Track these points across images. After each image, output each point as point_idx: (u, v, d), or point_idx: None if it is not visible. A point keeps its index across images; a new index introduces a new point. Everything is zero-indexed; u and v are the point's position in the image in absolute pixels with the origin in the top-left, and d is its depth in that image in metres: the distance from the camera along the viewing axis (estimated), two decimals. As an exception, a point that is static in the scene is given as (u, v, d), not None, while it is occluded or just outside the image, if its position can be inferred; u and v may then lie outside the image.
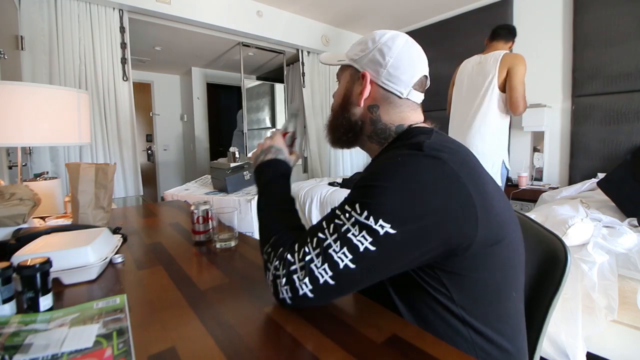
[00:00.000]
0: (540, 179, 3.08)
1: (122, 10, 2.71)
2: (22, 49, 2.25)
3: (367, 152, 0.72)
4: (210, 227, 0.96)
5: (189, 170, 5.43)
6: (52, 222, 1.20)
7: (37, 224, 1.14)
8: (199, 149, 5.17)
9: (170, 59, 4.48)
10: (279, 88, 4.71)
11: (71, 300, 0.61)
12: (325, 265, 0.48)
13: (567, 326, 1.42)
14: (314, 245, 0.50)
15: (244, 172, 1.67)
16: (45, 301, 0.56)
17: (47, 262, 0.56)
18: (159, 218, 1.31)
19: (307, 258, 0.50)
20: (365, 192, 0.50)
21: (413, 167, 0.50)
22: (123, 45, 2.72)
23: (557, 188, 2.76)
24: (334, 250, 0.48)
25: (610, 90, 2.64)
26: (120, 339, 0.47)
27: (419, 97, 0.67)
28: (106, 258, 0.74)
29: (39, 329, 0.50)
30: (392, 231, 0.46)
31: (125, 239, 0.96)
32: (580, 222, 1.59)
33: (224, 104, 6.00)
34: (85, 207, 1.04)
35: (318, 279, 0.49)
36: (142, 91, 5.03)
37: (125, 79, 2.76)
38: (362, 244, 0.47)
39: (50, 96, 1.34)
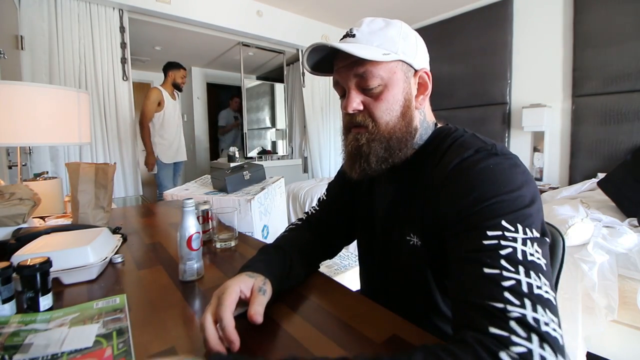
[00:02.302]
0: (541, 179, 3.08)
1: (122, 10, 2.71)
2: (22, 48, 2.25)
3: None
4: (210, 227, 0.96)
5: (189, 170, 5.43)
6: (52, 222, 1.20)
7: (37, 223, 1.14)
8: (199, 149, 5.16)
9: (170, 58, 4.46)
10: (279, 88, 4.70)
11: (71, 300, 0.61)
12: (542, 308, 0.38)
13: (567, 326, 1.43)
14: (518, 295, 0.38)
15: (244, 172, 1.67)
16: (45, 301, 0.56)
17: (47, 262, 0.56)
18: (158, 218, 1.31)
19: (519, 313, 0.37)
20: (504, 208, 0.45)
21: (512, 171, 0.49)
22: (123, 45, 2.72)
23: (557, 188, 2.76)
24: (537, 287, 0.39)
25: (610, 90, 2.64)
26: (120, 339, 0.47)
27: None
28: (106, 258, 0.74)
29: (38, 329, 0.50)
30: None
31: (125, 239, 0.96)
32: (580, 222, 1.59)
33: (224, 104, 6.00)
34: (85, 207, 1.04)
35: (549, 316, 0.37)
36: (142, 91, 5.02)
37: (125, 78, 2.76)
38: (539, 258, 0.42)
39: (50, 96, 1.34)
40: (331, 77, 0.65)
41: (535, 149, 3.15)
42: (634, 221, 1.76)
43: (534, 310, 0.37)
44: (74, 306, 0.57)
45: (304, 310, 0.56)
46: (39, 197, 0.97)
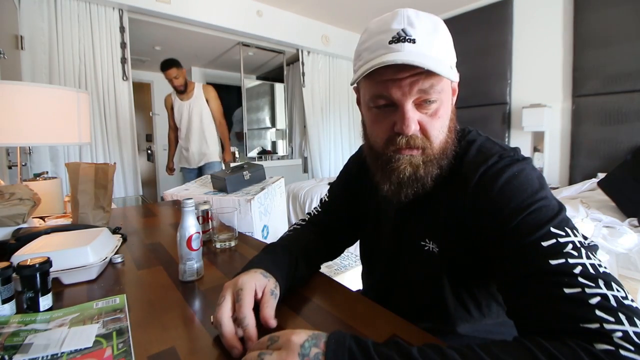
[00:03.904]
0: (540, 179, 3.08)
1: (121, 10, 2.71)
2: (22, 48, 2.25)
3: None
4: (210, 227, 0.96)
5: (189, 170, 5.42)
6: (52, 222, 1.20)
7: (37, 223, 1.14)
8: (199, 149, 5.16)
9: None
10: (279, 88, 4.71)
11: (71, 300, 0.61)
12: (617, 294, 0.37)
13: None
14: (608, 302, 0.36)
15: (244, 172, 1.67)
16: (45, 301, 0.56)
17: (47, 262, 0.56)
18: (158, 218, 1.31)
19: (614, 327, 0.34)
20: (548, 214, 0.45)
21: (534, 175, 0.50)
22: (123, 45, 2.72)
23: (557, 188, 2.76)
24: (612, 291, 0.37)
25: (610, 90, 2.64)
26: (120, 339, 0.47)
27: None
28: (106, 258, 0.74)
29: (38, 329, 0.50)
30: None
31: (125, 239, 0.96)
32: (580, 222, 1.59)
33: (224, 104, 6.00)
34: (85, 207, 1.04)
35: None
36: (142, 91, 5.03)
37: (125, 78, 2.76)
38: (599, 262, 0.41)
39: (50, 96, 1.34)
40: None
41: (535, 149, 3.16)
42: (634, 221, 1.76)
43: (632, 324, 0.34)
44: (74, 306, 0.57)
45: (304, 310, 0.56)
46: (39, 197, 0.97)
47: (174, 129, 2.89)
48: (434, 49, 0.51)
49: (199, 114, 2.83)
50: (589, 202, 2.07)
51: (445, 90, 0.53)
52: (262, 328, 0.48)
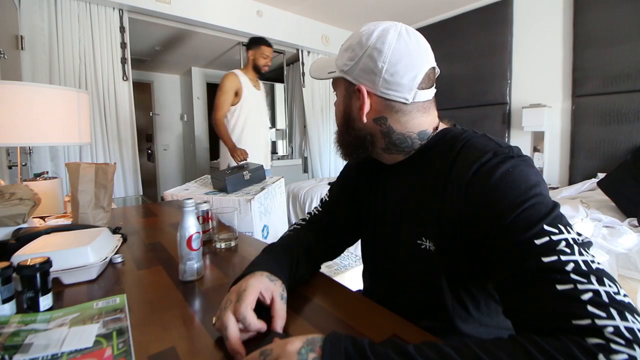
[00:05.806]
0: (540, 179, 3.08)
1: (122, 10, 2.71)
2: (22, 48, 2.25)
3: (385, 162, 0.67)
4: (210, 227, 0.96)
5: (189, 170, 5.43)
6: (52, 222, 1.20)
7: (37, 223, 1.14)
8: (199, 149, 5.16)
9: (170, 58, 4.48)
10: (279, 88, 4.70)
11: (71, 300, 0.61)
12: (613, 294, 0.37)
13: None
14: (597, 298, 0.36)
15: (244, 172, 1.67)
16: (45, 301, 0.56)
17: (47, 262, 0.56)
18: (158, 218, 1.31)
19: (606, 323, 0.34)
20: (540, 211, 0.44)
21: (529, 172, 0.49)
22: (123, 45, 2.72)
23: (557, 188, 2.76)
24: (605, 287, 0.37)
25: (610, 90, 2.64)
26: (120, 339, 0.47)
27: (429, 94, 0.60)
28: (106, 258, 0.74)
29: (38, 329, 0.50)
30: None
31: (125, 239, 0.96)
32: (580, 222, 1.60)
33: (224, 104, 5.99)
34: (85, 207, 1.04)
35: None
36: (142, 91, 5.03)
37: (125, 78, 2.76)
38: (592, 259, 0.41)
39: (50, 96, 1.34)
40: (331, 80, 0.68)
41: (535, 149, 3.16)
42: (634, 221, 1.76)
43: (624, 318, 0.34)
44: (74, 306, 0.57)
45: (304, 310, 0.56)
46: (39, 197, 0.97)
47: (225, 116, 2.31)
48: (337, 58, 0.64)
49: (267, 110, 2.56)
50: (589, 202, 2.07)
51: (339, 90, 0.65)
52: (258, 334, 0.48)
